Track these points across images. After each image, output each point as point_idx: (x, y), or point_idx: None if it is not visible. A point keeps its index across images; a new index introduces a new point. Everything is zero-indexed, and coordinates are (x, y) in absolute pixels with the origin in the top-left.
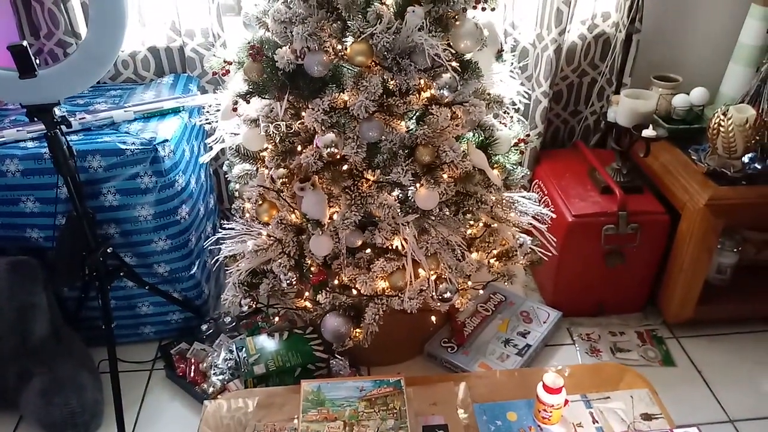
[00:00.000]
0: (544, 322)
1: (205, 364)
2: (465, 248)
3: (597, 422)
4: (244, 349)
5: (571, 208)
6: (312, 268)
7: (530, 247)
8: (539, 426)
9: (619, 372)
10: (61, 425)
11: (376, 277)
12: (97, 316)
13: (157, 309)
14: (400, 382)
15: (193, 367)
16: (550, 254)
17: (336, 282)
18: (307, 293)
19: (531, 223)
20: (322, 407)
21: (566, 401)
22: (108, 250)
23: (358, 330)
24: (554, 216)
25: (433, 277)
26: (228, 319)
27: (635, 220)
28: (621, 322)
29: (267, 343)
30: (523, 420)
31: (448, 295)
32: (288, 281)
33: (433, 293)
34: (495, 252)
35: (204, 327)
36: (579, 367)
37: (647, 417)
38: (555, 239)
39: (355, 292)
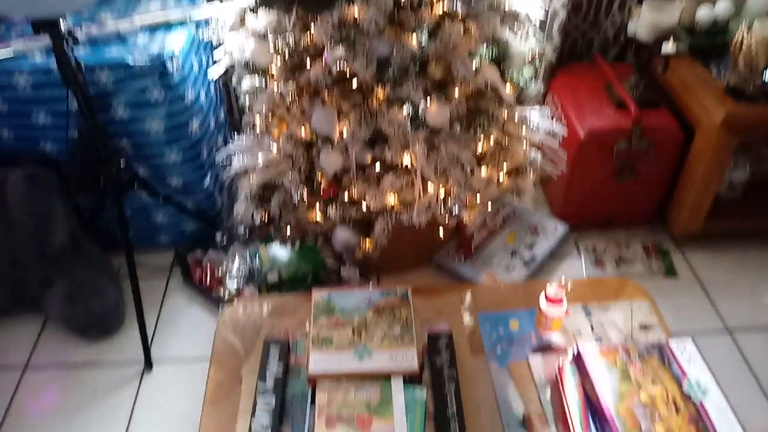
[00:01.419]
0: (551, 235)
1: (220, 271)
2: (475, 165)
3: (595, 331)
4: (257, 257)
5: (584, 123)
6: (322, 183)
7: (541, 164)
8: (540, 334)
9: (620, 285)
10: (84, 327)
11: (385, 192)
12: (115, 224)
13: (172, 219)
14: (407, 292)
15: (208, 274)
16: (561, 171)
17: (346, 196)
18: (318, 206)
19: (543, 139)
20: (332, 315)
21: (567, 311)
22: (121, 163)
23: (367, 241)
24: (567, 132)
25: (441, 193)
26: (241, 230)
27: (649, 136)
28: (628, 236)
29: (279, 252)
30: (525, 328)
31: (456, 210)
32: (298, 195)
33: (442, 208)
34: (505, 168)
35: (218, 236)
36: (582, 280)
37: (645, 327)
38: (567, 155)
39: (364, 206)
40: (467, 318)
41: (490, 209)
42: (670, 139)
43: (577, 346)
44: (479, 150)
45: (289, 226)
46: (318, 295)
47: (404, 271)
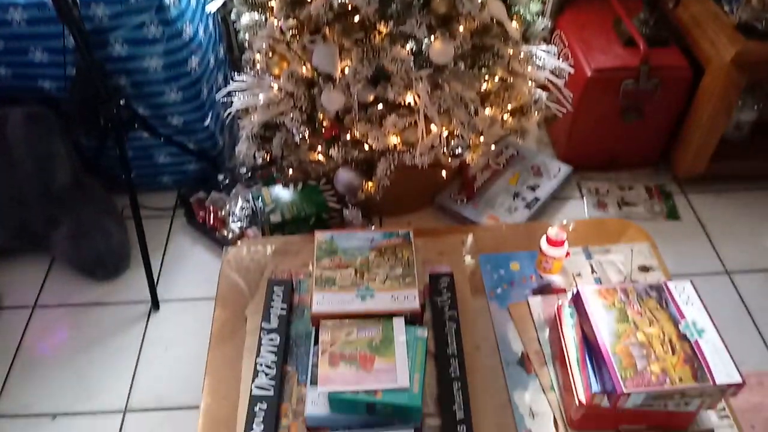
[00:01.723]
0: (554, 176)
1: (223, 212)
2: (479, 104)
3: (595, 273)
4: (260, 198)
5: (591, 62)
6: (324, 123)
7: (546, 103)
8: (540, 275)
9: (622, 226)
10: (91, 266)
11: (388, 132)
12: (117, 164)
13: (174, 159)
14: (409, 234)
15: (211, 215)
16: (565, 110)
17: (348, 137)
18: (320, 147)
19: (548, 78)
20: (334, 256)
21: (567, 253)
22: (120, 101)
23: (369, 183)
24: (573, 70)
25: (445, 134)
26: (243, 170)
27: (657, 74)
28: (631, 177)
29: (282, 193)
30: (525, 270)
31: (459, 151)
32: (300, 135)
33: (445, 149)
34: (509, 108)
35: (220, 177)
36: (583, 222)
37: (644, 269)
38: (572, 94)
39: (366, 147)
40: (468, 259)
41: (493, 149)
42: (678, 78)
43: (577, 286)
44: (483, 89)
45: (291, 168)
46: (321, 236)
47: (406, 213)
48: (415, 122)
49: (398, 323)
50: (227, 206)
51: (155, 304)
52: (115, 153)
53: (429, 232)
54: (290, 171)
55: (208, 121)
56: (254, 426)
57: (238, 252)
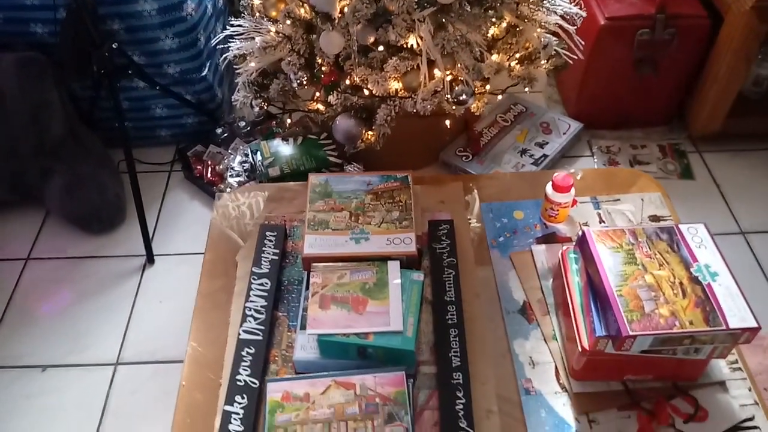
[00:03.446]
0: (564, 134)
1: (221, 166)
2: (485, 48)
3: (603, 222)
4: (258, 152)
5: (604, 9)
6: (323, 68)
7: (555, 50)
8: (545, 224)
9: (632, 176)
10: (86, 219)
11: (389, 77)
12: (113, 116)
13: (171, 111)
14: (407, 177)
15: (209, 169)
16: (575, 59)
17: (348, 82)
18: (318, 95)
19: (559, 24)
20: (329, 198)
21: (574, 201)
22: (113, 46)
23: (370, 132)
24: (585, 16)
25: (448, 78)
26: (243, 124)
27: (673, 24)
28: (644, 135)
29: (281, 147)
30: (530, 218)
31: (463, 97)
32: (298, 80)
33: (448, 95)
34: (518, 55)
35: (219, 131)
36: (592, 170)
37: (655, 218)
38: (584, 43)
39: (366, 92)
40: (471, 207)
41: (499, 99)
42: (696, 27)
43: (582, 228)
44: (491, 34)
45: (290, 119)
46: (315, 178)
47: (410, 169)
48: (418, 66)
49: (393, 267)
50: (225, 160)
51: (150, 258)
52: (111, 104)
53: (430, 179)
54: (288, 123)
55: (205, 71)
56: (240, 370)
57: (231, 198)
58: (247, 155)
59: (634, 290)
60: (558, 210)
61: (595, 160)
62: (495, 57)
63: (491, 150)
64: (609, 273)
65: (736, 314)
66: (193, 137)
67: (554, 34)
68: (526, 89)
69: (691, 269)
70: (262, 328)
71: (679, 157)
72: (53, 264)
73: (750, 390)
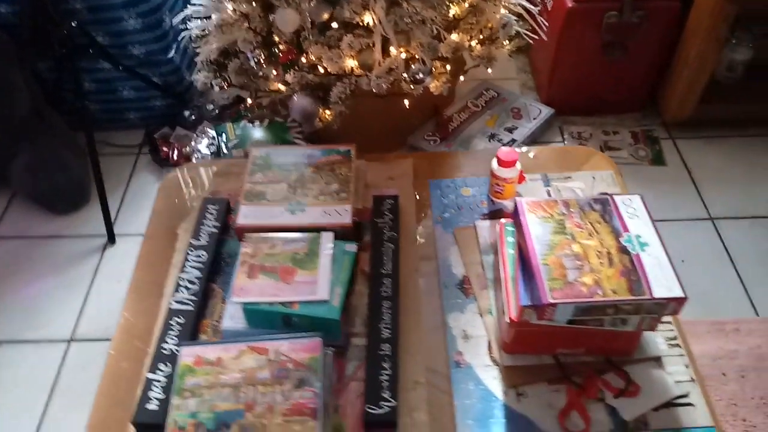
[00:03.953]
0: (534, 119)
1: (187, 149)
2: (441, 27)
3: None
4: (224, 134)
5: None
6: (281, 46)
7: (516, 30)
8: (492, 201)
9: (585, 154)
10: (49, 199)
11: (344, 55)
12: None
13: (139, 94)
14: (349, 151)
15: (176, 151)
16: (547, 44)
17: (304, 61)
18: (276, 73)
19: (522, 5)
20: (268, 171)
21: (522, 177)
22: (73, 24)
23: (327, 111)
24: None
25: (403, 56)
26: (211, 107)
27: (642, 6)
28: (617, 122)
29: (247, 129)
30: (477, 195)
31: (420, 76)
32: (255, 59)
33: (405, 74)
34: (480, 36)
35: (187, 113)
36: (546, 148)
37: (606, 195)
38: (552, 27)
39: (321, 70)
40: (418, 184)
41: (470, 85)
42: (665, 10)
43: (515, 199)
44: (452, 13)
45: (257, 103)
46: (257, 151)
47: (377, 153)
48: (374, 44)
49: (326, 237)
50: (192, 143)
51: (111, 238)
52: (77, 87)
53: (379, 157)
54: (254, 106)
55: (172, 53)
56: (167, 339)
57: (179, 173)
58: (213, 138)
59: (560, 259)
60: (503, 186)
61: (565, 146)
62: (455, 36)
63: (460, 135)
64: (536, 242)
65: (663, 284)
66: (162, 120)
67: (519, 15)
68: (489, 70)
69: (621, 239)
70: (194, 298)
71: (651, 143)
72: (15, 243)
73: (687, 367)
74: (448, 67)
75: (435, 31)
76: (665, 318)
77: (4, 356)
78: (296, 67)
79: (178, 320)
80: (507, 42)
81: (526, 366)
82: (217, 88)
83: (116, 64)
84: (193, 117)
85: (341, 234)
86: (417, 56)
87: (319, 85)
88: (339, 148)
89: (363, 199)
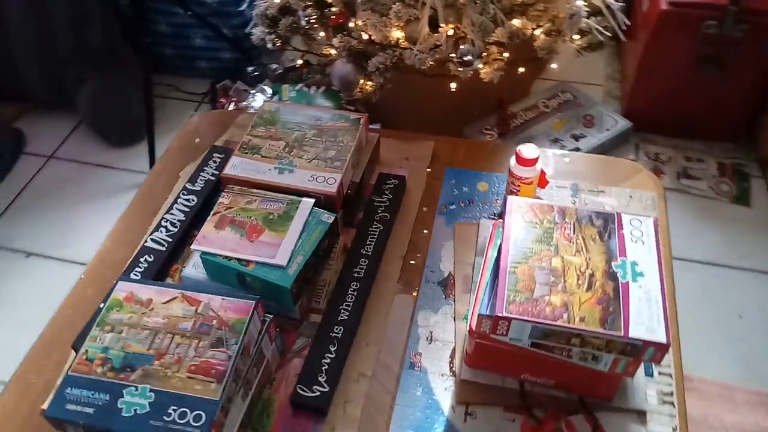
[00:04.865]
0: (607, 130)
1: (243, 103)
2: (499, 7)
3: None
4: (278, 95)
5: None
6: (333, 8)
7: (589, 24)
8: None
9: (629, 169)
10: (106, 130)
11: (391, 24)
12: (154, 41)
13: (209, 44)
14: (359, 120)
15: (232, 104)
16: (635, 50)
17: (352, 26)
18: (323, 35)
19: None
20: (272, 126)
21: (544, 180)
22: None
23: (369, 82)
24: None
25: (450, 33)
26: (275, 66)
27: (747, 19)
28: (703, 149)
29: (302, 93)
30: (493, 192)
31: (468, 58)
32: (306, 18)
33: (453, 54)
34: (548, 25)
35: (250, 69)
36: (585, 156)
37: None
38: (642, 29)
39: (365, 37)
40: (436, 169)
41: (521, 72)
42: None
43: (507, 198)
44: None
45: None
46: (268, 105)
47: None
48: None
49: (305, 203)
50: (248, 99)
51: None
52: (155, 28)
53: (399, 134)
54: (314, 72)
55: (244, 6)
56: (132, 274)
57: (204, 118)
58: (269, 97)
59: (532, 270)
60: (520, 186)
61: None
62: (516, 22)
63: (521, 134)
64: (513, 246)
65: (645, 323)
66: (228, 73)
67: (598, 11)
68: (554, 65)
69: (613, 263)
70: (169, 240)
71: (739, 179)
72: (69, 166)
73: (675, 430)
74: (506, 54)
75: (492, 12)
76: (664, 367)
77: (30, 267)
78: (344, 32)
79: (148, 258)
80: (579, 37)
81: (484, 385)
82: (270, 45)
83: (186, 9)
84: (256, 74)
85: (326, 204)
86: (468, 36)
87: (362, 52)
88: (350, 116)
89: (363, 172)
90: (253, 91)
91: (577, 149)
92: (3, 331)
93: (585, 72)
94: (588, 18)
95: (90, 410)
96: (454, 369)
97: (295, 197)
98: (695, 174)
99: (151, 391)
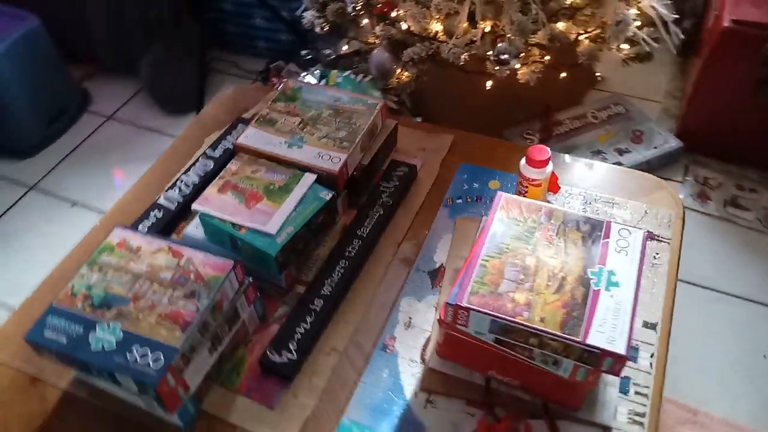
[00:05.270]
0: (655, 148)
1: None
2: (540, 7)
3: None
4: (326, 79)
5: (733, 8)
6: None
7: (636, 33)
8: None
9: (653, 185)
10: (162, 98)
11: (431, 16)
12: (218, 18)
13: (269, 24)
14: (376, 105)
15: (282, 85)
16: (693, 67)
17: (394, 14)
18: (367, 22)
19: (654, 6)
20: (291, 103)
21: (556, 185)
22: None
23: (406, 73)
24: (711, 16)
25: (487, 29)
26: (328, 52)
27: None
28: (758, 178)
29: (348, 80)
30: (502, 191)
31: (505, 57)
32: (352, 4)
33: (490, 52)
34: (596, 31)
35: (304, 52)
36: (607, 166)
37: (649, 235)
38: (703, 46)
39: (404, 27)
40: (451, 162)
41: (563, 76)
42: None
43: (497, 192)
44: (569, 2)
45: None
46: (293, 82)
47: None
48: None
49: (307, 178)
50: (298, 80)
51: None
52: (220, 5)
53: (419, 125)
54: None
55: None
56: (140, 227)
57: (239, 91)
58: (318, 81)
59: (503, 266)
60: (528, 187)
61: (684, 187)
62: (561, 25)
63: (563, 142)
64: (489, 240)
65: (606, 333)
66: (285, 55)
67: (651, 22)
68: (599, 74)
69: (589, 269)
70: (180, 200)
71: None
72: (126, 128)
73: None
74: (547, 57)
75: (534, 12)
76: (642, 387)
77: (74, 215)
78: (386, 21)
79: (156, 214)
80: (628, 47)
81: (450, 376)
82: (318, 29)
83: None
84: (309, 57)
85: (328, 181)
86: (507, 34)
87: (401, 42)
88: (368, 100)
89: (375, 157)
90: (303, 74)
91: (619, 163)
92: (40, 270)
93: (644, 87)
94: (641, 29)
95: (64, 339)
96: (425, 357)
97: (299, 172)
98: (745, 204)
99: (121, 330)
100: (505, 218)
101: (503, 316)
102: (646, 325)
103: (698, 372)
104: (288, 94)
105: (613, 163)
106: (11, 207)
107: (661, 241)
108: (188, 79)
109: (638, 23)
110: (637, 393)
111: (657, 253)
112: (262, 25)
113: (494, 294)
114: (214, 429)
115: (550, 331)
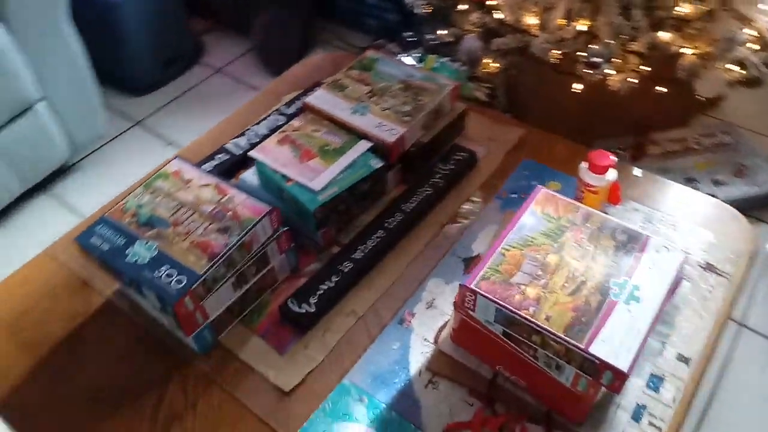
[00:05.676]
0: (757, 186)
1: None
2: (643, 12)
3: None
4: (423, 62)
5: None
6: None
7: (744, 53)
8: None
9: (727, 216)
10: (266, 57)
11: (528, 9)
12: None
13: (378, 3)
14: (449, 86)
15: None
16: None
17: (492, 3)
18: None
19: None
20: (365, 72)
21: (617, 196)
22: None
23: (494, 63)
24: None
25: (583, 28)
26: (432, 36)
27: None
28: None
29: (444, 66)
30: (561, 193)
31: (596, 59)
32: None
33: (583, 53)
34: (703, 48)
35: (407, 34)
36: (679, 186)
37: (709, 267)
38: None
39: (496, 16)
40: (516, 156)
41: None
42: None
43: (537, 186)
44: (683, 11)
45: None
46: (371, 53)
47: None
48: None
49: (362, 145)
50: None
51: None
52: None
53: (492, 115)
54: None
55: None
56: (205, 165)
57: (325, 57)
58: (414, 62)
59: (522, 258)
60: (584, 192)
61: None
62: (662, 34)
63: (657, 162)
64: (515, 231)
65: (613, 346)
66: (390, 34)
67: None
68: (701, 98)
69: (613, 279)
70: (246, 147)
71: None
72: (230, 83)
73: None
74: (645, 68)
75: (638, 18)
76: (658, 420)
77: (166, 154)
78: (483, 9)
79: (222, 157)
80: (737, 68)
81: (459, 362)
82: (417, 10)
83: None
84: (412, 39)
85: (382, 151)
86: (602, 36)
87: (494, 32)
88: (442, 80)
89: (437, 137)
90: (401, 55)
91: (713, 195)
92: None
93: (763, 120)
94: (756, 53)
95: (106, 247)
96: (438, 339)
97: (356, 137)
98: None
99: (156, 249)
100: (538, 212)
101: (506, 306)
102: (680, 357)
103: (736, 419)
104: (364, 62)
105: (707, 193)
106: (116, 137)
107: (721, 275)
108: (293, 43)
109: (756, 47)
110: (650, 424)
111: (712, 287)
112: (372, 2)
113: (505, 283)
114: (226, 361)
115: (551, 330)
